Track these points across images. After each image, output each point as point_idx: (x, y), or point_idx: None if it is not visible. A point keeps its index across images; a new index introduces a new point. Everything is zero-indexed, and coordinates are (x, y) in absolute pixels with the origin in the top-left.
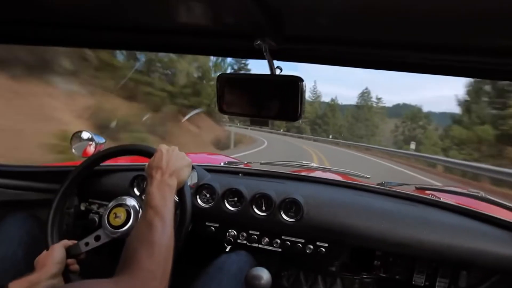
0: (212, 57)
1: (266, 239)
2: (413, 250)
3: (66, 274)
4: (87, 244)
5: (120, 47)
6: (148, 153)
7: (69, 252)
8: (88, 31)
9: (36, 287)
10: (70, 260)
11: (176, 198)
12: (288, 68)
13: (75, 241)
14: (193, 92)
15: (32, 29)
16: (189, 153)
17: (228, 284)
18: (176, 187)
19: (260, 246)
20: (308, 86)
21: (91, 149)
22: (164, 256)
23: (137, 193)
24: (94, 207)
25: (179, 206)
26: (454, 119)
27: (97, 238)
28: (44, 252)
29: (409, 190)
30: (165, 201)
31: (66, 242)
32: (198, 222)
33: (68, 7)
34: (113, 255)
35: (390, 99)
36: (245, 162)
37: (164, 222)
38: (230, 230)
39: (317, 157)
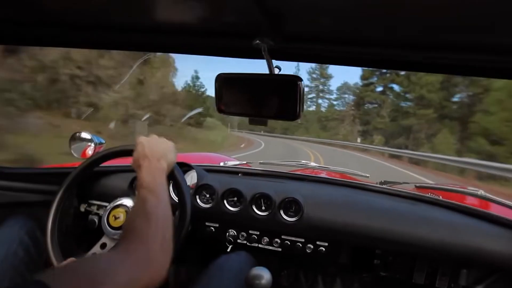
0: None
1: (266, 239)
2: (413, 249)
3: None
4: (94, 255)
5: (118, 47)
6: (132, 150)
7: None
8: (88, 32)
9: None
10: None
11: (176, 199)
12: None
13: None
14: None
15: (30, 29)
16: (188, 153)
17: (228, 284)
18: (166, 170)
19: (260, 246)
20: None
21: (90, 150)
22: (162, 224)
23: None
24: (94, 208)
25: (179, 207)
26: None
27: (103, 246)
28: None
29: (409, 189)
30: (156, 181)
31: (73, 260)
32: (198, 223)
33: (69, 7)
34: None
35: None
36: (245, 162)
37: (157, 197)
38: (230, 230)
39: None
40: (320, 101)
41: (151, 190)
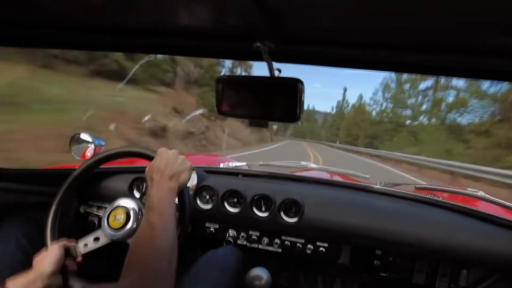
0: None
1: (266, 240)
2: (413, 249)
3: (64, 273)
4: (85, 245)
5: (119, 49)
6: (147, 156)
7: (68, 252)
8: (88, 34)
9: (33, 286)
10: (68, 261)
11: (176, 200)
12: None
13: (73, 242)
14: None
15: (30, 31)
16: (188, 154)
17: (215, 278)
18: (176, 189)
19: (260, 246)
20: None
21: (90, 152)
22: (169, 256)
23: (137, 195)
24: (94, 209)
25: (179, 208)
26: None
27: (96, 240)
28: (43, 251)
29: (409, 190)
30: (165, 202)
31: (65, 243)
32: (198, 223)
33: (69, 9)
34: (112, 258)
35: None
36: (245, 163)
37: (165, 223)
38: (230, 231)
39: None
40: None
41: (159, 214)
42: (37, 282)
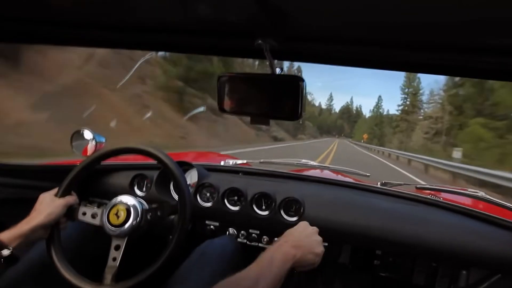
0: None
1: (266, 238)
2: (413, 250)
3: (53, 228)
4: (84, 213)
5: (119, 46)
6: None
7: (68, 211)
8: (89, 30)
9: (25, 239)
10: (62, 219)
11: (176, 198)
12: None
13: (77, 203)
14: None
15: (31, 27)
16: (189, 152)
17: (211, 268)
18: (291, 262)
19: (260, 245)
20: None
21: (91, 148)
22: None
23: (138, 191)
24: (94, 205)
25: (179, 206)
26: None
27: (94, 216)
28: (49, 199)
29: (410, 190)
30: (271, 265)
31: (72, 201)
32: (198, 221)
33: (69, 5)
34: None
35: None
36: (245, 161)
37: (260, 281)
38: (230, 229)
39: None
40: None
41: (260, 269)
42: (24, 227)
